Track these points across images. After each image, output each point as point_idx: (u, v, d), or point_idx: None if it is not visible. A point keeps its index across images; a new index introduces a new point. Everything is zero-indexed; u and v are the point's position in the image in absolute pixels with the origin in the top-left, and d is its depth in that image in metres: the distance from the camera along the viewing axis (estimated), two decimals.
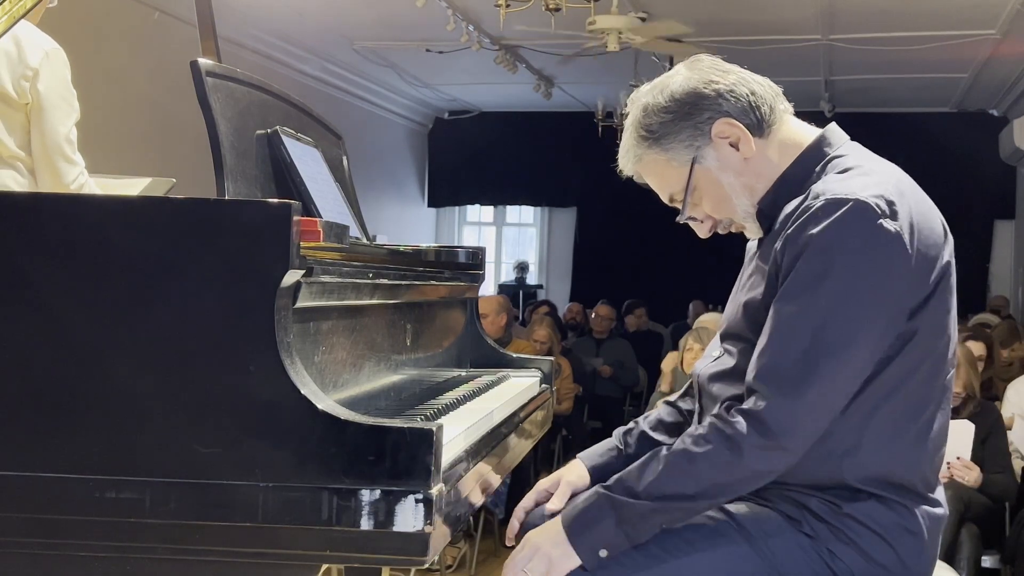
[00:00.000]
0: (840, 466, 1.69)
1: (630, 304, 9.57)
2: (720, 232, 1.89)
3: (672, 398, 2.08)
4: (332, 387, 1.67)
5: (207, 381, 1.41)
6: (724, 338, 1.86)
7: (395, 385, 1.97)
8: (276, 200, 1.44)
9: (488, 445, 1.79)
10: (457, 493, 1.52)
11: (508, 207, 13.84)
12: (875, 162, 1.77)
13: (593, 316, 8.67)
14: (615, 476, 1.71)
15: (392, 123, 11.88)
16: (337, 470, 1.38)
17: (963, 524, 3.90)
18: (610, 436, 2.07)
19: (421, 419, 1.71)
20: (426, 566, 1.98)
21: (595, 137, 9.82)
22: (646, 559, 1.67)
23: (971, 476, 4.02)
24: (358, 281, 1.69)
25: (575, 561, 1.67)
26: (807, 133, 1.83)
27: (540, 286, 13.04)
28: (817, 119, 1.87)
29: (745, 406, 1.63)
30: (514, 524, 1.95)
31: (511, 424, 2.02)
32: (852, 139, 1.84)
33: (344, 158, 2.39)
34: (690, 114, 1.76)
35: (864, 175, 1.70)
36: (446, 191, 13.18)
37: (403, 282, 1.93)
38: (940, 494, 1.79)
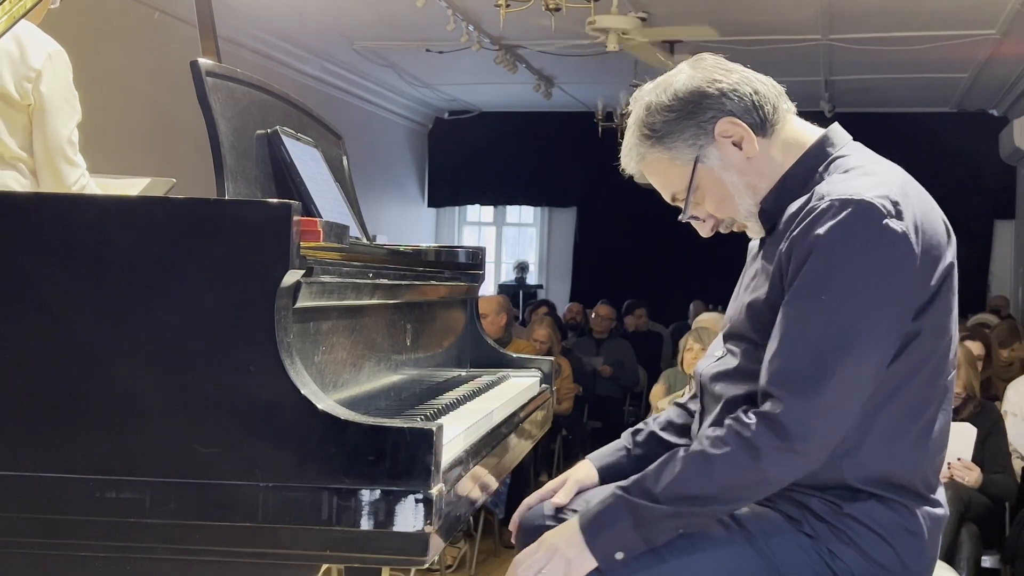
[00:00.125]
0: (841, 466, 1.69)
1: (630, 304, 9.57)
2: (722, 231, 1.88)
3: (683, 399, 2.07)
4: (332, 387, 1.67)
5: (207, 381, 1.41)
6: (727, 338, 1.86)
7: (395, 385, 1.97)
8: (276, 200, 1.44)
9: (488, 445, 1.79)
10: (457, 493, 1.52)
11: (508, 207, 13.84)
12: (878, 162, 1.77)
13: (593, 316, 8.67)
14: (632, 478, 1.70)
15: (392, 123, 11.88)
16: (337, 470, 1.38)
17: (963, 524, 3.90)
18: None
19: (421, 419, 1.71)
20: (426, 566, 1.98)
21: (595, 137, 9.82)
22: (647, 558, 1.67)
23: (971, 477, 4.02)
24: (358, 281, 1.69)
25: (591, 563, 1.66)
26: (810, 133, 1.83)
27: (540, 286, 13.03)
28: (817, 119, 1.87)
29: (762, 409, 1.62)
30: (515, 520, 1.95)
31: (511, 424, 2.02)
32: (853, 139, 1.84)
33: (344, 158, 2.39)
34: (693, 113, 1.76)
35: (868, 175, 1.70)
36: (446, 191, 13.18)
37: (403, 282, 1.93)
38: (941, 494, 1.79)
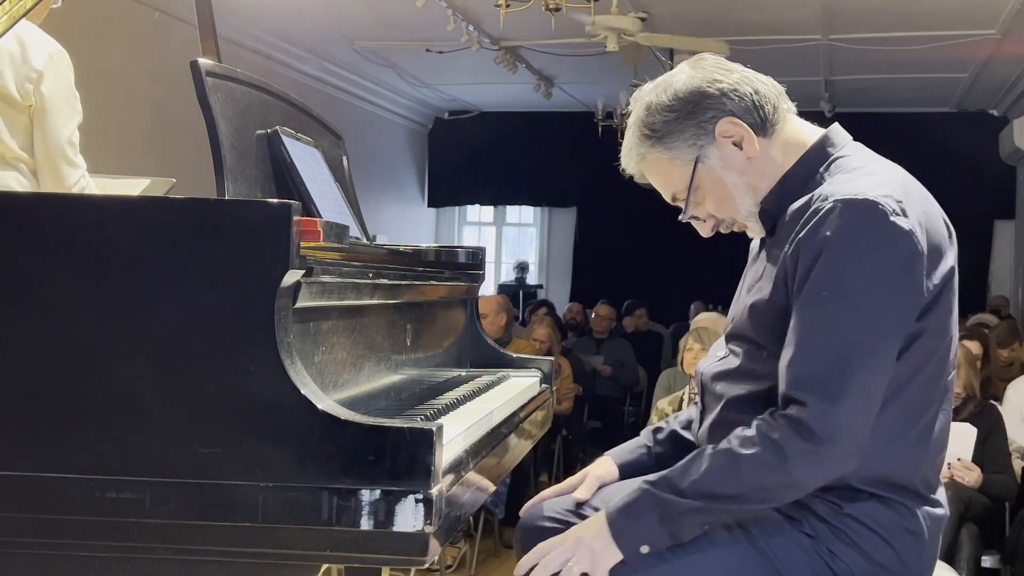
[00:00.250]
0: None
1: (630, 304, 9.56)
2: (722, 231, 1.88)
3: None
4: (332, 387, 1.67)
5: (207, 381, 1.41)
6: (729, 339, 1.86)
7: (395, 385, 1.97)
8: (276, 200, 1.44)
9: (488, 445, 1.79)
10: (457, 493, 1.52)
11: (508, 207, 13.84)
12: (879, 162, 1.77)
13: (593, 316, 8.67)
14: (659, 473, 1.71)
15: (392, 123, 11.87)
16: (337, 470, 1.38)
17: (963, 524, 3.90)
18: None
19: (421, 419, 1.71)
20: (426, 566, 1.98)
21: (595, 137, 9.81)
22: (648, 557, 1.67)
23: (971, 477, 4.02)
24: (358, 281, 1.69)
25: (617, 555, 1.67)
26: (810, 133, 1.83)
27: (540, 286, 13.03)
28: (817, 119, 1.87)
29: (788, 413, 1.62)
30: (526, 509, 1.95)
31: (511, 424, 2.02)
32: (853, 139, 1.84)
33: (344, 158, 2.39)
34: (694, 113, 1.76)
35: (870, 175, 1.70)
36: (446, 191, 13.17)
37: (403, 282, 1.93)
38: (941, 494, 1.79)
